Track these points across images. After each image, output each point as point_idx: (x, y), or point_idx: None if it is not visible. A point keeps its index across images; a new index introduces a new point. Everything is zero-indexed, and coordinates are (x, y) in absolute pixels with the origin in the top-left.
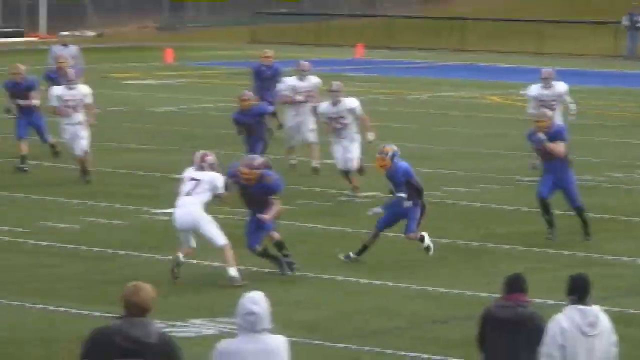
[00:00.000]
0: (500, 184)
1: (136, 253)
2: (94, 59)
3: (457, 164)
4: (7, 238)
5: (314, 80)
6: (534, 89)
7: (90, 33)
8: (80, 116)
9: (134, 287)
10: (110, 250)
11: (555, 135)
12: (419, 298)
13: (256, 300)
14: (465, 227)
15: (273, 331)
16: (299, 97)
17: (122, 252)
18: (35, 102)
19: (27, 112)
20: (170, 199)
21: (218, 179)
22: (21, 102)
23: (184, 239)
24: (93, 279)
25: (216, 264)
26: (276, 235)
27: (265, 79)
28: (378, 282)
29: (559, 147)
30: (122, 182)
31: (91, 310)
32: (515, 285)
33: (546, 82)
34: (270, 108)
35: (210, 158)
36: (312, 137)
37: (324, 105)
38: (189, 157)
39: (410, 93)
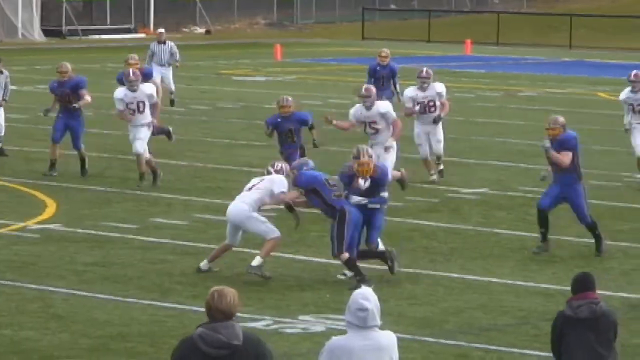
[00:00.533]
0: (610, 181)
1: (246, 249)
2: (203, 55)
3: None
4: (116, 234)
5: (438, 88)
6: (623, 93)
7: (199, 30)
8: (144, 118)
9: (217, 293)
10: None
11: (561, 143)
12: (532, 295)
13: (367, 296)
14: (576, 224)
15: (382, 327)
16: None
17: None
18: (88, 98)
19: (67, 114)
20: None
21: (278, 180)
22: (77, 104)
23: (231, 232)
24: (201, 275)
25: (323, 260)
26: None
27: (380, 77)
28: (494, 280)
29: (563, 157)
30: (229, 178)
31: (200, 306)
32: (585, 284)
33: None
34: (311, 119)
35: (279, 165)
36: (440, 148)
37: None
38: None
39: (519, 89)
